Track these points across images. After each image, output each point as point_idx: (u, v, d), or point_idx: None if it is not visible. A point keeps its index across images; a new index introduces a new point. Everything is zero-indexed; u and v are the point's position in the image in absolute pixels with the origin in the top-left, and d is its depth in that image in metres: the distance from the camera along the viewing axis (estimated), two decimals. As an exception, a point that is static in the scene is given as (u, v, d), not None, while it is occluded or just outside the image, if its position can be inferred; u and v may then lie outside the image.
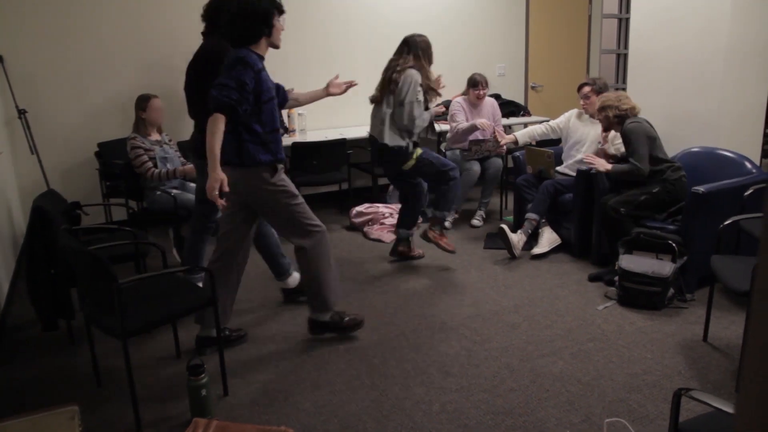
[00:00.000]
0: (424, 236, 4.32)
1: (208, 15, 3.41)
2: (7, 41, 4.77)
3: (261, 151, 2.96)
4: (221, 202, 2.86)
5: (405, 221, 4.42)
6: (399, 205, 5.40)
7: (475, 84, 5.29)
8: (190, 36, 5.43)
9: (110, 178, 4.91)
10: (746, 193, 3.59)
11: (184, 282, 2.91)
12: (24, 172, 4.95)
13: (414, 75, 3.97)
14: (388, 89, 4.04)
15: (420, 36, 4.09)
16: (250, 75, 2.86)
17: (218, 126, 2.81)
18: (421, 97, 3.97)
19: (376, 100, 4.16)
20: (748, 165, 3.89)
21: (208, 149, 2.81)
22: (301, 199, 3.12)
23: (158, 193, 4.18)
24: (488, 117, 5.35)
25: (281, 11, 3.04)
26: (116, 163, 4.63)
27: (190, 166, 4.16)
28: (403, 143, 4.04)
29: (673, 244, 3.57)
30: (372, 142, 4.21)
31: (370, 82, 6.30)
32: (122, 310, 2.40)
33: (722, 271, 2.91)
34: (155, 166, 4.18)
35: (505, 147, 5.22)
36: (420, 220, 5.39)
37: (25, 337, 3.45)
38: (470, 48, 6.65)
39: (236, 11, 2.92)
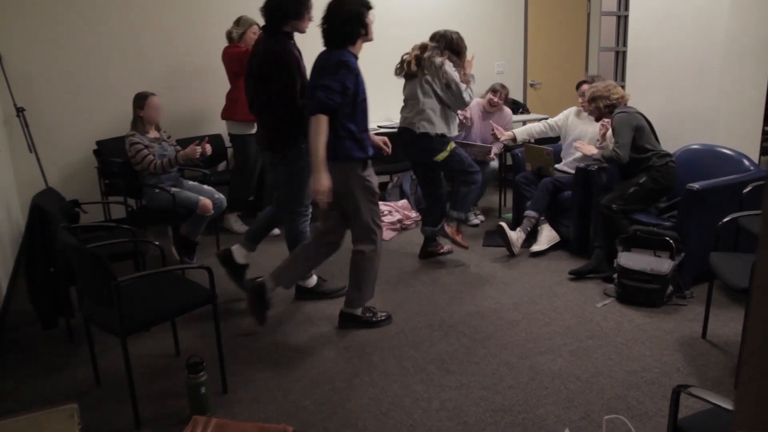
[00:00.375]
0: (440, 232, 4.33)
1: (269, 10, 3.41)
2: (5, 39, 4.76)
3: (355, 148, 3.15)
4: (325, 204, 3.07)
5: (430, 219, 4.41)
6: (398, 203, 5.41)
7: (494, 91, 5.35)
8: (188, 35, 5.43)
9: (109, 176, 4.91)
10: (745, 191, 3.60)
11: (183, 280, 2.91)
12: (22, 170, 4.94)
13: (436, 60, 3.97)
14: (419, 70, 4.02)
15: (455, 33, 4.14)
16: (352, 78, 3.08)
17: (322, 127, 3.00)
18: (457, 78, 3.99)
19: (409, 76, 4.13)
20: (746, 162, 3.89)
21: (313, 150, 3.01)
22: (377, 199, 3.31)
23: (157, 191, 4.18)
24: (496, 124, 5.28)
25: (370, 7, 3.19)
26: (115, 161, 4.63)
27: (190, 147, 4.14)
28: (445, 131, 4.07)
29: (671, 241, 3.58)
30: (401, 133, 4.19)
31: (367, 80, 6.29)
32: (121, 308, 2.40)
33: (721, 268, 2.91)
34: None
35: (493, 155, 5.17)
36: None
37: (24, 335, 3.45)
38: (469, 45, 6.61)
39: (331, 17, 3.12)
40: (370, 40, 3.26)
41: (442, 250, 4.45)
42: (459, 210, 4.25)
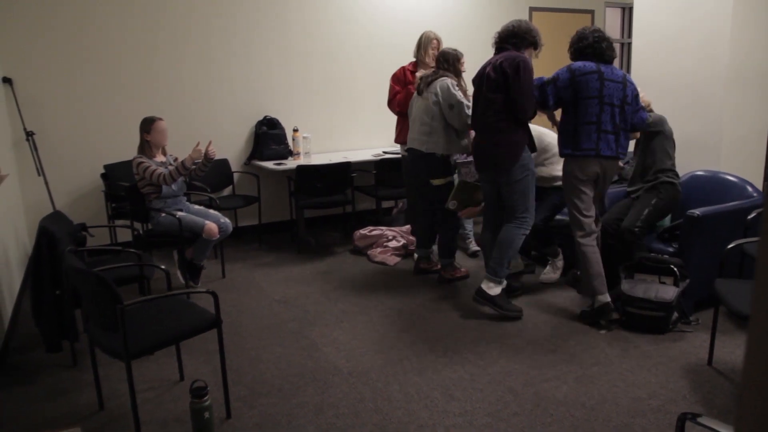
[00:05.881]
0: (441, 281, 4.50)
1: (516, 33, 3.66)
2: (15, 64, 4.84)
3: None
4: None
5: (422, 241, 4.65)
6: (402, 228, 5.42)
7: None
8: (196, 61, 5.51)
9: (116, 200, 4.95)
10: (749, 217, 3.60)
11: (188, 304, 2.92)
12: (31, 193, 4.99)
13: (446, 80, 4.16)
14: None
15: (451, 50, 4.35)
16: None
17: None
18: (465, 101, 4.11)
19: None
20: (750, 188, 3.91)
21: None
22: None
23: (163, 215, 4.20)
24: None
25: None
26: (122, 185, 4.67)
27: (194, 150, 4.16)
28: (449, 154, 4.23)
29: (675, 268, 3.57)
30: (410, 152, 4.37)
31: (370, 100, 6.37)
32: (126, 331, 2.41)
33: (726, 294, 2.91)
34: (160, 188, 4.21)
35: None
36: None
37: (28, 358, 3.45)
38: (472, 71, 6.71)
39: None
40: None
41: (434, 268, 4.65)
42: (444, 256, 4.48)
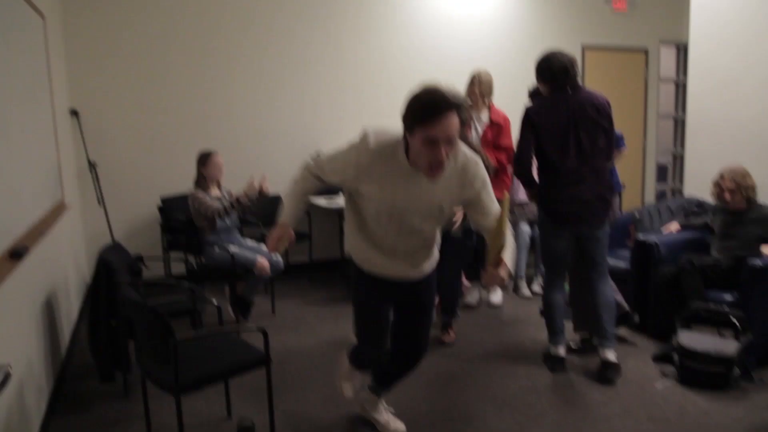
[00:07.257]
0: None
1: (572, 66, 3.37)
2: (82, 97, 5.07)
3: None
4: None
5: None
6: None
7: None
8: (250, 93, 5.65)
9: (171, 232, 5.07)
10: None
11: (239, 341, 2.94)
12: (91, 223, 5.17)
13: None
14: None
15: None
16: None
17: None
18: None
19: None
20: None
21: None
22: None
23: (217, 250, 4.28)
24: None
25: None
26: (177, 219, 4.79)
27: (248, 184, 4.20)
28: None
29: (736, 321, 3.43)
30: None
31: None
32: (178, 366, 2.44)
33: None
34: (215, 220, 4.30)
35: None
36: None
37: (82, 387, 3.52)
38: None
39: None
40: None
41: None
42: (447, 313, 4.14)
